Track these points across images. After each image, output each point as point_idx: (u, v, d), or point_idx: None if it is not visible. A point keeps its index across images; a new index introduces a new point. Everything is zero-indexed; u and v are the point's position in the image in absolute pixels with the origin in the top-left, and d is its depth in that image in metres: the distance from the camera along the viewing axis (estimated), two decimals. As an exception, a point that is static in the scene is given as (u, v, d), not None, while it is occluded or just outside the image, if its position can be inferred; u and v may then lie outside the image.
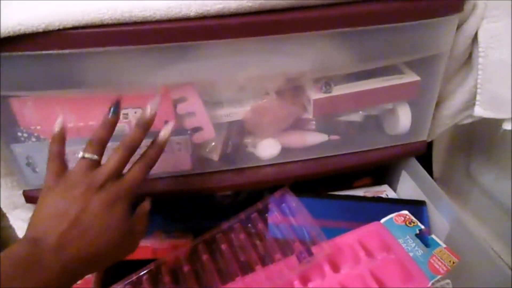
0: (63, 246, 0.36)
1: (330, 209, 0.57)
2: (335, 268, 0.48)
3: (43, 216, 0.38)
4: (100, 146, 0.41)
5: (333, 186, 0.65)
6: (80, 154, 0.40)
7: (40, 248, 0.35)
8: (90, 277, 0.59)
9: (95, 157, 0.40)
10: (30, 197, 0.54)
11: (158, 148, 0.44)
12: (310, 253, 0.49)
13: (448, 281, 0.46)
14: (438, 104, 0.60)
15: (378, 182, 0.68)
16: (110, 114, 0.42)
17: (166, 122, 0.51)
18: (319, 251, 0.49)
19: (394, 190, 0.66)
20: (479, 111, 0.57)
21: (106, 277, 0.59)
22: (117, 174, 0.40)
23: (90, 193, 0.38)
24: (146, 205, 0.45)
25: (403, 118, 0.57)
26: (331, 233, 0.51)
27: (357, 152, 0.59)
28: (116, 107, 0.42)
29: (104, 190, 0.39)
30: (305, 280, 0.49)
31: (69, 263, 0.36)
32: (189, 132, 0.52)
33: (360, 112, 0.57)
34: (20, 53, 0.41)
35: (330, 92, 0.53)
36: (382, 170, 0.69)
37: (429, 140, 0.64)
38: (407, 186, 0.63)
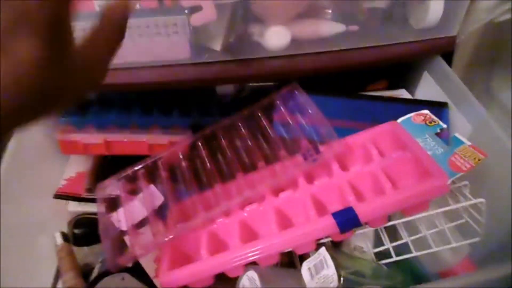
0: None
1: (342, 109, 0.52)
2: (344, 167, 0.45)
3: None
4: None
5: (345, 89, 0.60)
6: None
7: None
8: (83, 172, 0.57)
9: None
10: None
11: None
12: (318, 151, 0.45)
13: (466, 182, 0.42)
14: (475, -6, 0.51)
15: (394, 86, 0.62)
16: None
17: (159, -4, 0.45)
18: (328, 150, 0.45)
19: (412, 95, 0.61)
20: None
21: (100, 172, 0.57)
22: None
23: None
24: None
25: (434, 7, 0.49)
26: (342, 134, 0.46)
27: (377, 46, 0.52)
28: None
29: None
30: (310, 178, 0.45)
31: None
32: (186, 11, 0.45)
33: (386, -4, 0.49)
34: None
35: (353, -31, 0.45)
36: (400, 72, 0.62)
37: (458, 40, 0.57)
38: (428, 90, 0.58)
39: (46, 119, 0.23)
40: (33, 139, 0.56)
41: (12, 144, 0.52)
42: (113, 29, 0.25)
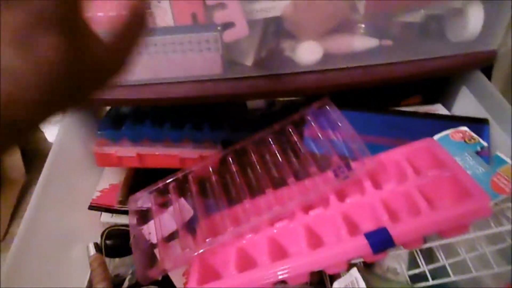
0: None
1: (376, 125, 0.51)
2: (377, 185, 0.44)
3: None
4: None
5: (378, 104, 0.58)
6: None
7: None
8: (117, 184, 0.58)
9: None
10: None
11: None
12: (349, 168, 0.44)
13: (510, 204, 0.40)
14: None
15: (430, 101, 0.60)
16: None
17: (193, 14, 0.45)
18: (360, 166, 0.44)
19: (449, 110, 0.58)
20: None
21: (132, 184, 0.58)
22: None
23: None
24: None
25: (474, 19, 0.48)
26: (375, 150, 0.45)
27: (412, 60, 0.50)
28: None
29: None
30: (342, 196, 0.44)
31: None
32: (219, 28, 0.46)
33: (422, 10, 0.48)
34: None
35: (387, -17, 0.44)
36: (435, 87, 0.60)
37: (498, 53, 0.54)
38: (466, 106, 0.55)
39: (72, 110, 0.23)
40: (70, 152, 0.58)
41: (51, 156, 0.54)
42: (135, 18, 0.25)
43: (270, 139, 0.51)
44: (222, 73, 0.50)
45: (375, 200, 0.41)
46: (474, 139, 0.43)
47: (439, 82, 0.59)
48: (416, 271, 0.45)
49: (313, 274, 0.42)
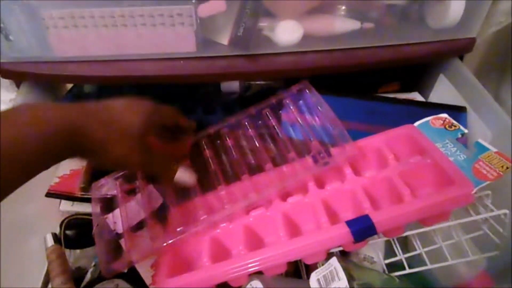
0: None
1: (355, 110, 0.50)
2: (357, 172, 0.42)
3: None
4: None
5: (355, 90, 0.57)
6: None
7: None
8: (78, 169, 0.54)
9: None
10: (6, 71, 0.46)
11: None
12: (329, 154, 0.42)
13: (488, 192, 0.39)
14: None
15: (406, 88, 0.60)
16: None
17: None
18: (340, 153, 0.42)
19: (426, 98, 0.58)
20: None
21: (96, 170, 0.54)
22: None
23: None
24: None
25: (455, 6, 0.47)
26: (355, 136, 0.43)
27: (393, 45, 0.49)
28: None
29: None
30: (321, 182, 0.43)
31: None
32: (194, 1, 0.42)
33: (405, -8, 0.47)
34: None
35: (372, -39, 0.42)
36: (413, 74, 0.60)
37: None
38: (443, 94, 0.55)
39: None
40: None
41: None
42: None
43: (246, 123, 0.48)
44: (195, 51, 0.47)
45: (356, 187, 0.40)
46: (454, 126, 0.42)
47: (417, 69, 0.59)
48: (393, 259, 0.44)
49: (289, 264, 0.40)
